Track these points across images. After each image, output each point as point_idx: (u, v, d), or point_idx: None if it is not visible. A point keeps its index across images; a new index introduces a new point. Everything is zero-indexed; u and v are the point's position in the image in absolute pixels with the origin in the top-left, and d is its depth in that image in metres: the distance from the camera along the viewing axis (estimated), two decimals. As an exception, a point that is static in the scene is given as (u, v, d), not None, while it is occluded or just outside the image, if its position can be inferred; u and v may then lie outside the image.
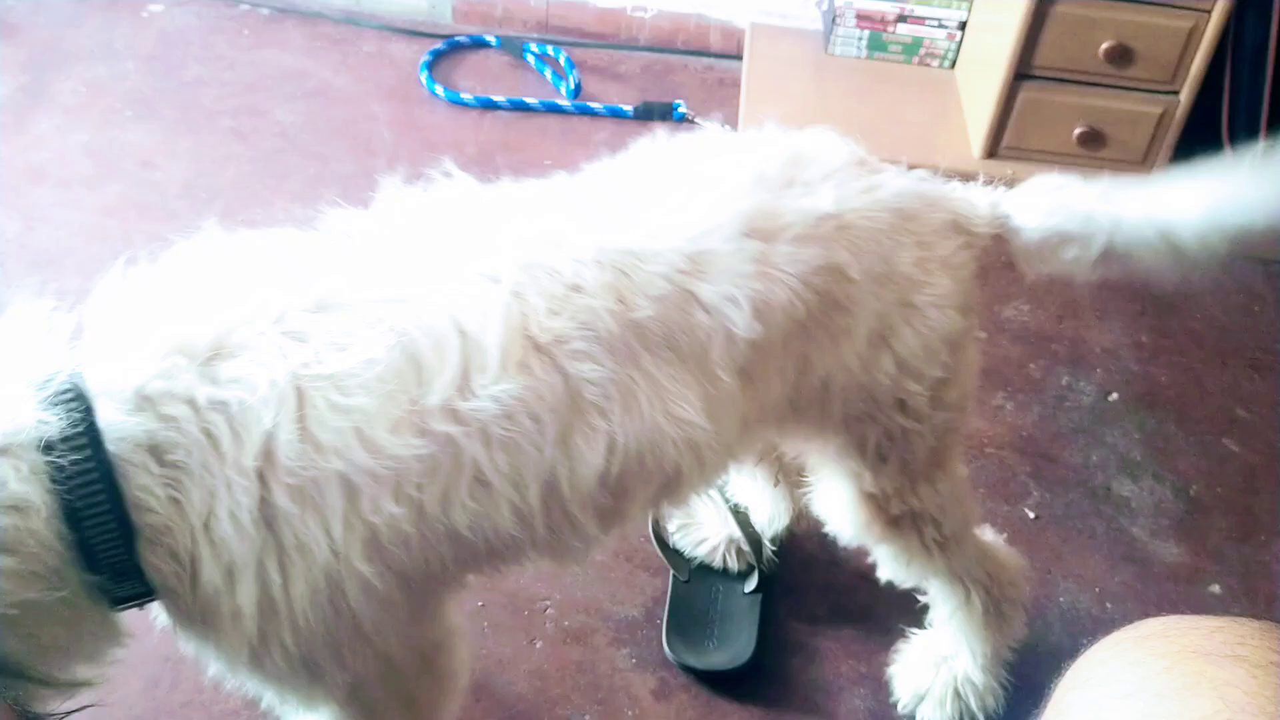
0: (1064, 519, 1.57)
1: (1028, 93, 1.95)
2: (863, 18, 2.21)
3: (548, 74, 2.35)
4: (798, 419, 1.04)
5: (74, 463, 0.72)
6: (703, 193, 0.93)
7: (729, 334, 0.89)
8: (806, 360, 0.97)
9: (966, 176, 2.00)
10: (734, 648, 1.38)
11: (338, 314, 0.80)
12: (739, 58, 2.36)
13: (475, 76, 2.36)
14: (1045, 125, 1.97)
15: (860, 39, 2.24)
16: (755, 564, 1.43)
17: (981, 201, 1.08)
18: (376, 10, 2.50)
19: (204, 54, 2.34)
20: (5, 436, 0.71)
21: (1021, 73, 1.93)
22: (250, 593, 0.78)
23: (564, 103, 2.27)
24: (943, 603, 1.29)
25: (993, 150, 2.00)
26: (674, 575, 1.44)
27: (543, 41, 2.43)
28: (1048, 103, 1.95)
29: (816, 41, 2.32)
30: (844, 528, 1.19)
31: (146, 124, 2.14)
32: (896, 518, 1.15)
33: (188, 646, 0.88)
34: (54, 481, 0.72)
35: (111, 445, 0.73)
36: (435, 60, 2.38)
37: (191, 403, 0.75)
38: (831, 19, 2.24)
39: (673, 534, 1.47)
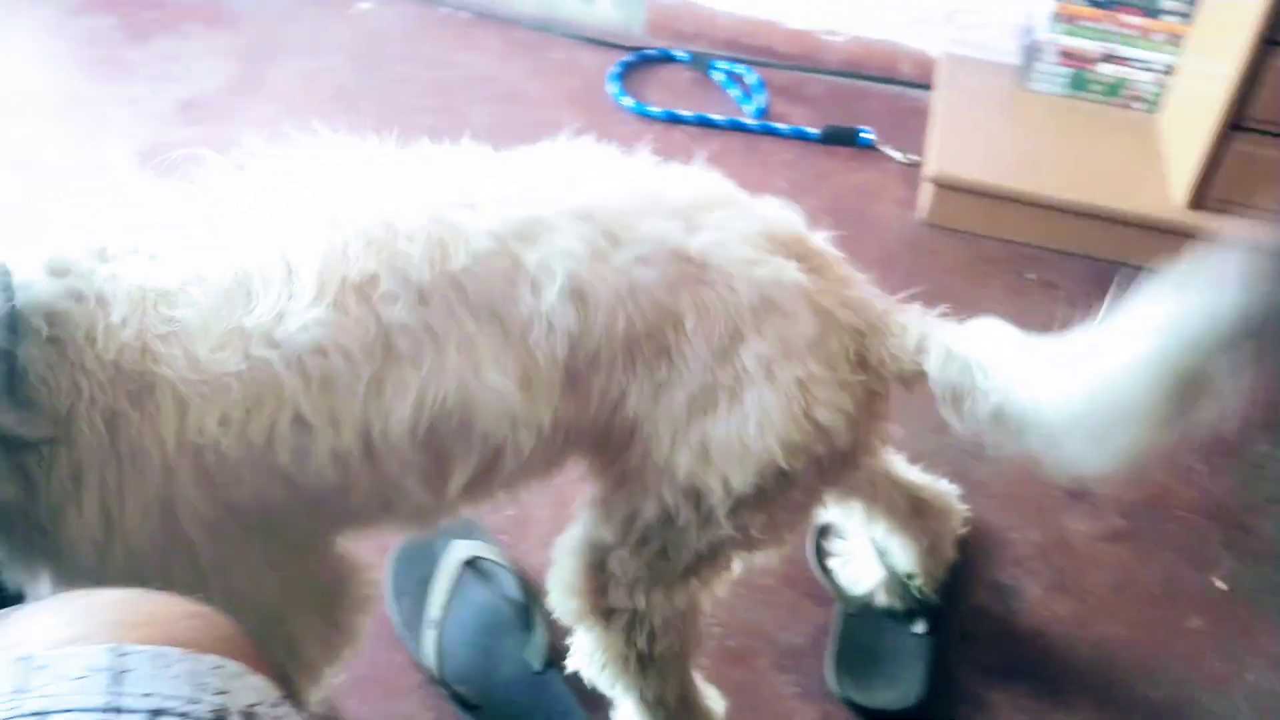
0: (1256, 592, 1.50)
1: (1240, 145, 1.86)
2: (1067, 55, 2.16)
3: (734, 92, 2.37)
4: (601, 452, 0.97)
5: None
6: (571, 178, 0.91)
7: (550, 321, 0.86)
8: (624, 392, 0.91)
9: (1170, 226, 1.93)
10: (901, 688, 1.36)
11: (187, 241, 0.83)
12: (930, 88, 2.33)
13: (662, 90, 2.39)
14: (1258, 180, 1.88)
15: (1061, 76, 2.18)
16: (917, 602, 1.41)
17: (911, 330, 0.97)
18: (569, 19, 2.56)
19: (407, 53, 2.43)
20: None
21: (1235, 123, 1.85)
22: (93, 500, 0.79)
23: (749, 121, 2.28)
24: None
25: (1200, 202, 1.92)
26: (841, 607, 1.43)
27: (731, 59, 2.44)
28: (1262, 157, 1.86)
29: (1012, 76, 2.27)
30: (555, 584, 1.09)
31: (350, 117, 2.19)
32: (612, 609, 1.05)
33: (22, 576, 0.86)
34: None
35: (19, 299, 0.76)
36: (624, 71, 2.42)
37: (90, 285, 0.78)
38: (1033, 54, 2.19)
39: (831, 568, 1.45)
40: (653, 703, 1.13)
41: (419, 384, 0.84)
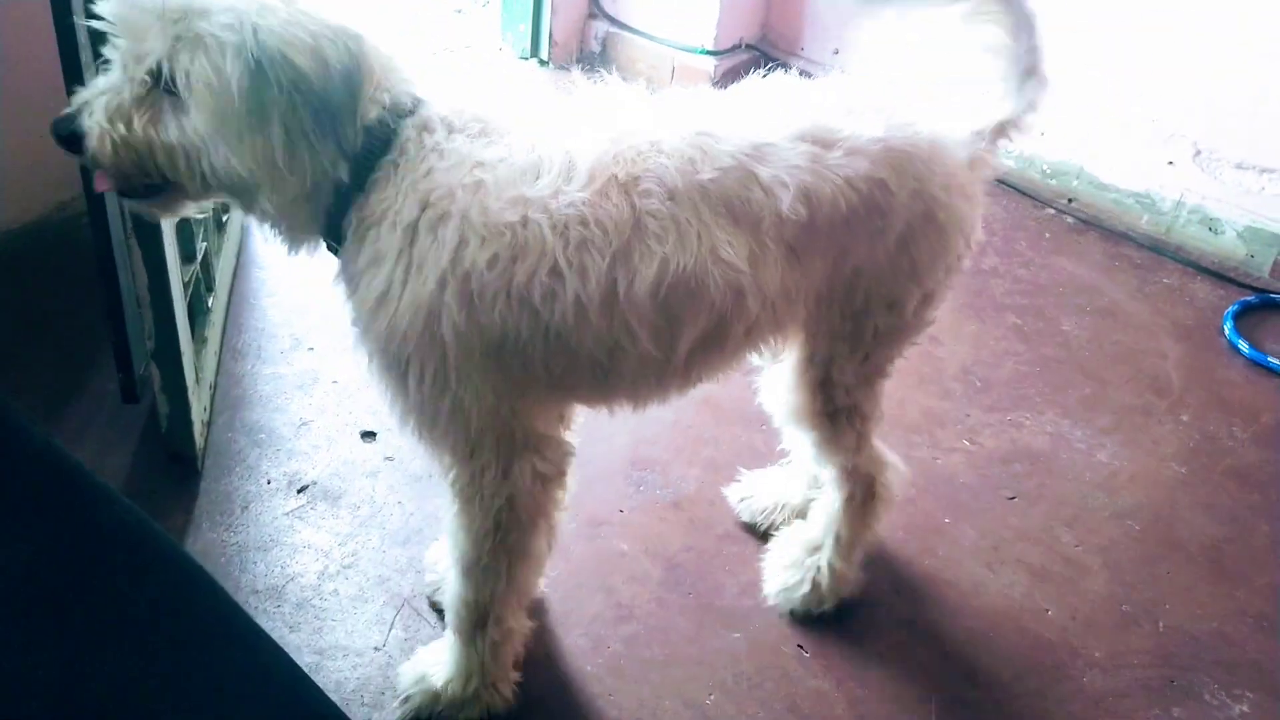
0: None
1: None
2: None
3: (1381, 362, 2.04)
4: (823, 306, 1.25)
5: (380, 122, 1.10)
6: (779, 108, 1.18)
7: (779, 213, 1.11)
8: (845, 250, 1.20)
9: None
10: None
11: (506, 136, 1.11)
12: None
13: (1287, 341, 2.13)
14: None
15: None
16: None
17: (977, 131, 1.27)
18: (1185, 244, 2.38)
19: (1004, 247, 2.38)
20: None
21: None
22: (380, 279, 1.07)
23: (1397, 400, 1.95)
24: (834, 495, 1.47)
25: None
26: None
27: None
28: None
29: None
30: (785, 410, 1.39)
31: (938, 300, 2.21)
32: (835, 411, 1.36)
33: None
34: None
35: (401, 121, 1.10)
36: (1241, 311, 2.19)
37: (436, 142, 1.09)
38: None
39: (737, 504, 1.68)
40: (856, 468, 1.44)
41: (662, 256, 1.08)
